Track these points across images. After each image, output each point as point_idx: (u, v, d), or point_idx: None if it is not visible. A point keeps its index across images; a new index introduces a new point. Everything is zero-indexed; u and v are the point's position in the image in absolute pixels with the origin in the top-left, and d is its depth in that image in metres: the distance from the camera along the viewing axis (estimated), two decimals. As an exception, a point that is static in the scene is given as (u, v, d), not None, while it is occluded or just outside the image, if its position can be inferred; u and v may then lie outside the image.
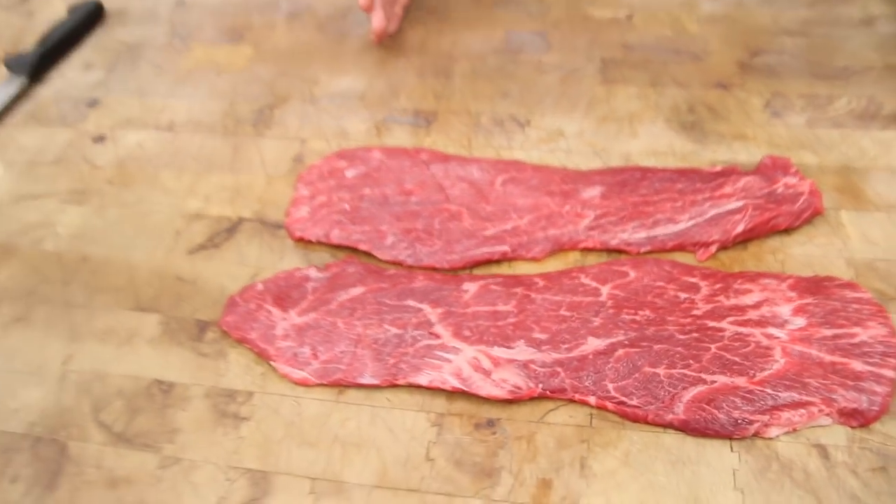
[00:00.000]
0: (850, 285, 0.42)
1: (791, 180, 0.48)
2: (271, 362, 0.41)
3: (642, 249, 0.46)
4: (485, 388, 0.39)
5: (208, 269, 0.48)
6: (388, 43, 0.68)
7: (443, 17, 0.71)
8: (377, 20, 0.64)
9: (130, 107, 0.63)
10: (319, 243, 0.49)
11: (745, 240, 0.46)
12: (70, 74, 0.68)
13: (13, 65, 0.66)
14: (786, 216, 0.46)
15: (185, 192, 0.54)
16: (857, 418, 0.36)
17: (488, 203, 0.49)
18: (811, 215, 0.46)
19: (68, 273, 0.49)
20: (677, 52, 0.63)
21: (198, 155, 0.57)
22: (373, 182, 0.51)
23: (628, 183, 0.50)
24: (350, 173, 0.52)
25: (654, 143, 0.55)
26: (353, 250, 0.48)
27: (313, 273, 0.46)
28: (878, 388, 0.37)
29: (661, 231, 0.46)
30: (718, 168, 0.50)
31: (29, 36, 0.73)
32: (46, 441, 0.40)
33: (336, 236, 0.48)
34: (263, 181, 0.54)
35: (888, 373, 0.37)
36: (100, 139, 0.59)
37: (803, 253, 0.45)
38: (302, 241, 0.49)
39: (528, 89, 0.61)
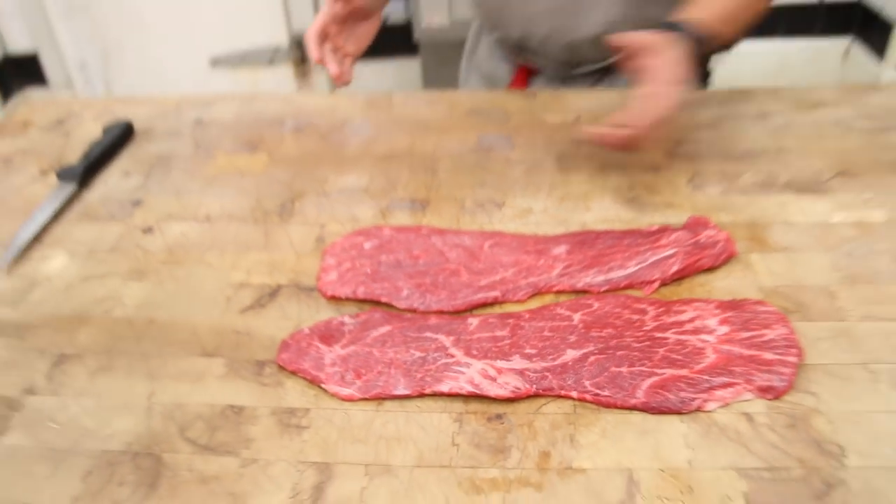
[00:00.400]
0: (760, 302, 0.57)
1: (711, 232, 0.64)
2: (322, 385, 0.53)
3: (602, 289, 0.60)
4: (492, 390, 0.51)
5: (258, 323, 0.60)
6: (383, 147, 0.84)
7: (425, 126, 0.87)
8: (332, 69, 0.79)
9: (170, 204, 0.76)
10: (348, 299, 0.62)
11: (679, 278, 0.61)
12: (112, 181, 0.81)
13: (64, 175, 0.80)
14: (708, 258, 0.61)
15: (228, 268, 0.67)
16: (772, 392, 0.50)
17: (479, 262, 0.64)
18: (727, 257, 0.62)
19: (139, 332, 0.60)
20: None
21: (235, 240, 0.70)
22: (386, 251, 0.65)
23: (587, 241, 0.65)
24: (367, 245, 0.66)
25: (604, 214, 0.70)
26: (376, 303, 0.61)
27: (347, 319, 0.59)
28: (784, 371, 0.51)
29: (615, 274, 0.61)
30: (655, 227, 0.66)
31: (68, 152, 0.87)
32: (143, 455, 0.50)
33: (361, 292, 0.61)
34: (294, 257, 0.67)
35: (791, 359, 0.52)
36: (148, 230, 0.73)
37: (724, 285, 0.61)
38: (333, 299, 0.62)
39: (501, 179, 0.77)
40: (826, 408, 0.50)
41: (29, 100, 0.95)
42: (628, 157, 0.78)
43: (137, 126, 0.91)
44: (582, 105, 0.90)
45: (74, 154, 0.86)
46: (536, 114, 0.89)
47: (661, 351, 0.53)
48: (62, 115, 0.96)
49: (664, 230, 0.65)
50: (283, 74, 2.71)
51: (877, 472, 0.46)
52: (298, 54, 2.71)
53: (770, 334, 0.54)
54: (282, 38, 2.66)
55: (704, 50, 0.74)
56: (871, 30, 2.60)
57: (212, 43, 2.70)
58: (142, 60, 2.68)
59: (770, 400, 0.50)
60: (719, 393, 0.50)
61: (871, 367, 0.52)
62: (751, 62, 2.73)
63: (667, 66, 0.69)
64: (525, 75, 1.00)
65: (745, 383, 0.51)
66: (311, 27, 0.79)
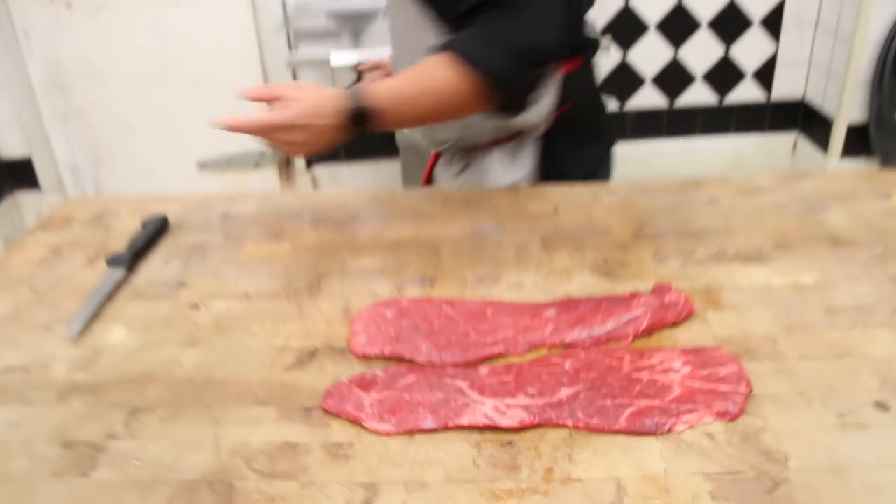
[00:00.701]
0: (716, 348, 0.71)
1: (673, 296, 0.79)
2: (363, 423, 0.66)
3: (586, 343, 0.74)
4: (503, 422, 0.64)
5: (302, 378, 0.73)
6: (391, 235, 0.99)
7: (426, 217, 1.03)
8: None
9: (210, 285, 0.90)
10: (376, 357, 0.75)
11: (648, 332, 0.76)
12: (155, 267, 0.95)
13: (113, 261, 0.93)
14: (672, 316, 0.76)
15: (270, 335, 0.80)
16: (727, 416, 0.64)
17: (484, 324, 0.78)
18: (688, 315, 0.77)
19: (199, 388, 0.73)
20: (591, 230, 0.97)
21: (272, 312, 0.84)
22: (405, 317, 0.79)
23: (571, 306, 0.79)
24: (388, 314, 0.80)
25: (584, 284, 0.85)
26: (401, 359, 0.74)
27: (379, 372, 0.72)
28: (737, 399, 0.65)
29: (596, 331, 0.75)
30: (627, 293, 0.81)
31: (110, 242, 1.00)
32: (217, 482, 0.62)
33: (388, 351, 0.74)
34: (325, 325, 0.81)
35: (742, 390, 0.66)
36: (195, 306, 0.85)
37: (685, 336, 0.75)
38: (364, 357, 0.75)
39: (495, 259, 0.92)
40: (772, 426, 0.64)
41: (74, 199, 1.08)
42: (602, 238, 0.94)
43: (171, 220, 1.05)
44: (558, 198, 1.06)
45: (116, 244, 0.99)
46: (520, 205, 1.05)
47: (638, 387, 0.67)
48: (100, 212, 1.10)
49: (635, 295, 0.80)
50: (268, 177, 2.89)
51: (813, 472, 0.59)
52: (283, 158, 2.90)
53: (724, 371, 0.68)
54: (268, 142, 2.84)
55: (366, 120, 0.89)
56: (814, 125, 2.88)
57: (199, 147, 2.86)
58: (132, 164, 2.84)
59: (727, 422, 0.64)
60: (686, 417, 0.64)
61: (805, 395, 0.67)
62: (707, 157, 2.99)
63: (310, 106, 0.86)
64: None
65: (706, 410, 0.64)
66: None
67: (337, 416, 0.67)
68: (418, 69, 0.91)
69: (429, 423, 0.65)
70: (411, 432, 0.65)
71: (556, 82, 1.06)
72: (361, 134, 0.90)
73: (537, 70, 0.95)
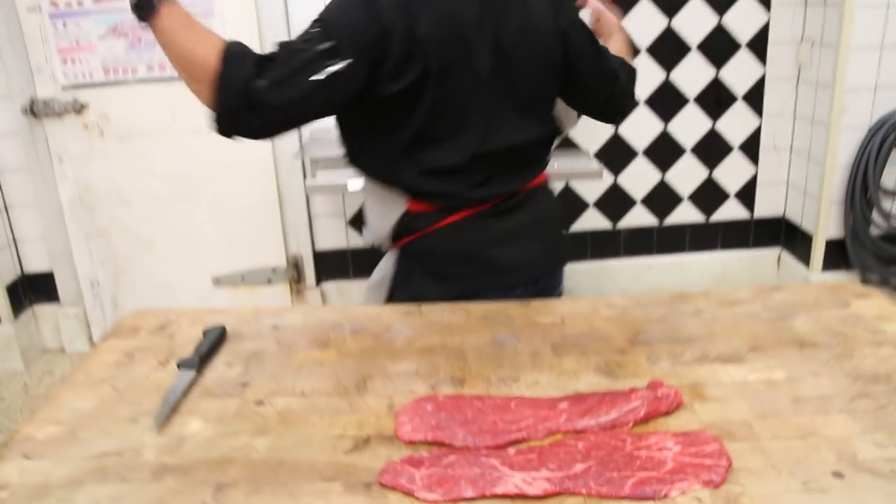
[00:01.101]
0: (701, 431, 0.89)
1: (665, 390, 0.97)
2: (415, 494, 0.82)
3: (594, 429, 0.92)
4: (530, 491, 0.81)
5: (359, 460, 0.89)
6: (422, 344, 1.17)
7: (451, 328, 1.22)
8: None
9: (271, 385, 1.07)
10: (420, 442, 0.91)
11: (645, 420, 0.93)
12: (219, 370, 1.12)
13: (185, 364, 1.10)
14: (664, 407, 0.94)
15: (328, 426, 0.96)
16: (712, 484, 0.81)
17: (509, 415, 0.95)
18: (678, 406, 0.95)
19: (274, 469, 0.89)
20: (593, 337, 1.16)
21: (328, 408, 1.01)
22: (443, 410, 0.96)
23: (581, 400, 0.97)
24: (428, 407, 0.97)
25: (590, 382, 1.03)
26: (441, 444, 0.91)
27: (425, 454, 0.88)
28: (719, 471, 0.82)
29: (602, 419, 0.93)
30: (627, 389, 0.99)
31: (176, 349, 1.18)
32: (299, 543, 0.77)
33: (430, 437, 0.91)
34: (374, 418, 0.98)
35: (723, 464, 0.83)
36: (260, 402, 1.02)
37: (676, 423, 0.93)
38: (410, 443, 0.92)
39: (513, 363, 1.10)
40: (748, 492, 0.80)
41: (138, 311, 1.27)
42: (603, 344, 1.12)
43: (228, 330, 1.23)
44: (564, 310, 1.26)
45: (182, 350, 1.17)
46: (532, 317, 1.25)
47: (638, 462, 0.84)
48: (163, 322, 1.28)
49: (633, 391, 0.98)
50: (281, 293, 3.09)
51: (780, 528, 0.76)
52: (294, 274, 3.10)
53: (708, 449, 0.85)
54: (280, 260, 3.06)
55: (143, 9, 1.18)
56: (795, 241, 3.12)
57: (214, 264, 3.08)
58: (149, 279, 3.03)
59: (711, 489, 0.81)
60: (678, 485, 0.80)
61: (776, 467, 0.84)
62: (696, 271, 3.22)
63: None
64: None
65: (695, 479, 0.81)
66: None
67: (392, 489, 0.84)
68: (209, 30, 1.19)
69: (469, 493, 0.81)
70: (455, 500, 0.81)
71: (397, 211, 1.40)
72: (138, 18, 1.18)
73: (258, 112, 1.19)
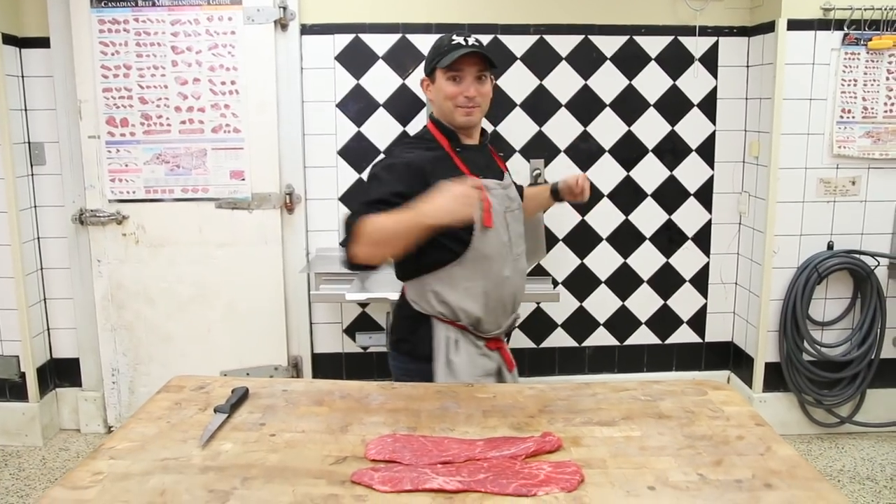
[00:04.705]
0: (568, 462, 1.37)
1: (551, 438, 1.45)
2: (373, 486, 1.30)
3: (497, 458, 1.40)
4: (448, 487, 1.29)
5: (339, 468, 1.37)
6: (391, 407, 1.66)
7: (413, 398, 1.71)
8: None
9: (280, 426, 1.55)
10: (381, 460, 1.39)
11: (533, 455, 1.41)
12: (244, 415, 1.61)
13: (220, 409, 1.59)
14: (548, 447, 1.43)
15: (319, 450, 1.44)
16: (566, 490, 1.28)
17: (442, 447, 1.43)
18: (558, 447, 1.43)
19: (280, 471, 1.36)
20: (514, 407, 1.65)
21: (320, 441, 1.49)
22: (398, 443, 1.45)
23: (492, 441, 1.46)
24: (388, 440, 1.46)
25: (503, 433, 1.52)
26: (394, 462, 1.39)
27: (382, 466, 1.36)
28: (573, 482, 1.30)
29: (504, 452, 1.41)
30: (525, 436, 1.48)
31: (211, 401, 1.67)
32: (297, 510, 1.25)
33: (387, 456, 1.40)
34: (351, 447, 1.46)
35: (577, 478, 1.31)
36: (272, 435, 1.51)
37: (555, 457, 1.41)
38: (374, 460, 1.39)
39: (453, 420, 1.59)
40: (590, 495, 1.28)
41: (181, 376, 1.76)
42: (520, 412, 1.61)
43: (250, 391, 1.72)
44: (497, 390, 1.75)
45: (215, 402, 1.66)
46: (472, 394, 1.74)
47: (521, 476, 1.32)
48: (201, 384, 1.78)
49: (530, 437, 1.47)
50: (280, 386, 3.54)
51: (603, 514, 1.23)
52: (294, 373, 3.58)
53: (569, 470, 1.33)
54: (281, 359, 3.54)
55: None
56: (741, 364, 3.61)
57: (224, 359, 3.56)
58: (164, 369, 3.51)
59: (566, 493, 1.28)
60: (544, 488, 1.28)
61: (613, 484, 1.32)
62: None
63: None
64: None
65: (555, 486, 1.29)
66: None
67: (359, 484, 1.31)
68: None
69: (408, 486, 1.29)
70: (399, 491, 1.29)
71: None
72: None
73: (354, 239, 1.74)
